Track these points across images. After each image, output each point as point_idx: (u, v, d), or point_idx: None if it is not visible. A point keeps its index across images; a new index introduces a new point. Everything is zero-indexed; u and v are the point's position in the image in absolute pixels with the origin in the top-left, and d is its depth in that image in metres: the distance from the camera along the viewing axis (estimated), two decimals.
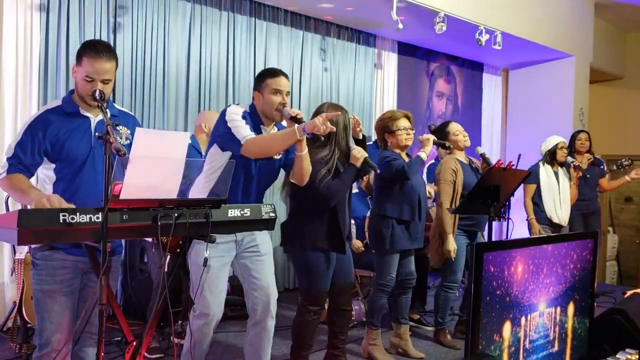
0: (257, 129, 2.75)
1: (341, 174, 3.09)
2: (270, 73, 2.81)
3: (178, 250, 3.19)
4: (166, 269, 2.89)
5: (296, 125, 2.63)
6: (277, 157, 2.85)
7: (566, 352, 2.64)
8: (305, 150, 2.78)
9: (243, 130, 2.65)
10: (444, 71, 7.59)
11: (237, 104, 2.83)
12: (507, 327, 2.29)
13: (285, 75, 2.81)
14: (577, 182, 5.23)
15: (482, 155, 4.18)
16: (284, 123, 2.88)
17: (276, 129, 2.86)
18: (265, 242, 2.86)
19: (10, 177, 2.22)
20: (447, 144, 3.95)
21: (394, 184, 3.60)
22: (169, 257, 3.46)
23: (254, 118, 2.77)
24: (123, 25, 4.70)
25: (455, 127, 4.10)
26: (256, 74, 2.96)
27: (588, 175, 5.17)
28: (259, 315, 2.80)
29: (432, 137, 3.67)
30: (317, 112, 3.09)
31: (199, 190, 2.67)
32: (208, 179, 2.70)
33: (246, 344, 2.88)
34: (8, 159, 2.24)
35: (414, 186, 3.63)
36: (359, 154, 3.09)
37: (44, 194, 2.11)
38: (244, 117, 2.70)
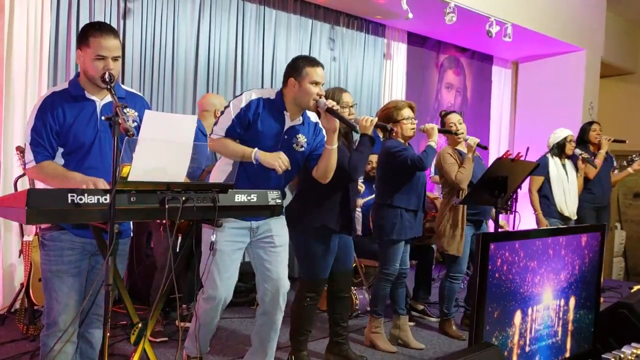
0: (277, 116, 2.69)
1: (357, 146, 3.08)
2: (310, 62, 2.72)
3: (188, 231, 3.21)
4: (173, 251, 2.91)
5: (255, 151, 2.60)
6: (300, 149, 2.77)
7: (571, 344, 2.63)
8: (336, 144, 2.72)
9: (217, 126, 2.67)
10: (454, 63, 7.54)
11: (251, 90, 2.76)
12: (511, 318, 2.28)
13: (323, 66, 2.76)
14: (583, 174, 5.18)
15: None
16: (312, 116, 2.84)
17: (301, 119, 2.76)
18: (282, 233, 2.81)
19: (42, 166, 2.22)
20: (453, 129, 3.95)
21: (402, 174, 3.59)
22: (179, 238, 3.48)
23: (277, 104, 2.69)
24: (133, 11, 4.70)
25: (455, 118, 4.07)
26: (287, 62, 2.85)
27: (594, 162, 5.09)
28: (267, 306, 2.78)
29: (435, 126, 3.67)
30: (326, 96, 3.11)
31: (218, 172, 2.76)
32: (225, 161, 2.76)
33: (253, 332, 2.88)
34: (31, 146, 2.23)
35: (420, 176, 3.64)
36: (367, 122, 3.06)
37: (89, 178, 2.11)
38: (246, 109, 2.63)
